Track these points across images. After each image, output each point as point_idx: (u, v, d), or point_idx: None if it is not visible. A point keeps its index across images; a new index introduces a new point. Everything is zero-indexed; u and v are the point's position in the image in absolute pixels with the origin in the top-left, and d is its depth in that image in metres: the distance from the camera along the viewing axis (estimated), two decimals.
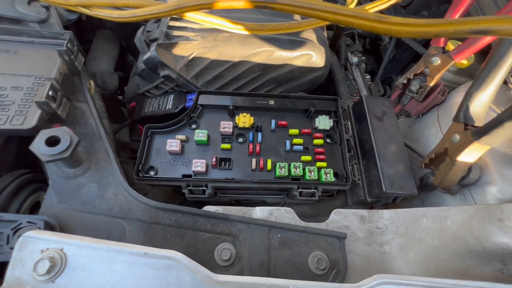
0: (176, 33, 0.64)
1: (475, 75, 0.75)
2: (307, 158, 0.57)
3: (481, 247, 0.46)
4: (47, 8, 0.57)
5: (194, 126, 0.60)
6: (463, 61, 0.66)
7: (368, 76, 1.04)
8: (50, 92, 0.42)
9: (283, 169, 0.54)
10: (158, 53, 0.58)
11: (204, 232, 0.46)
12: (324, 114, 0.61)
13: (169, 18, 0.65)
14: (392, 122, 0.59)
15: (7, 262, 0.36)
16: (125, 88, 0.95)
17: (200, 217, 0.46)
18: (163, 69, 0.61)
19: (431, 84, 0.63)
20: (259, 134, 0.59)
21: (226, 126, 0.58)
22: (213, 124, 0.60)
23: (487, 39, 0.53)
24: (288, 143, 0.58)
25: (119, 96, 0.99)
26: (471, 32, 0.26)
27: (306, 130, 0.60)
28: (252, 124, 0.60)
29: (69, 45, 0.48)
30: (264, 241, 0.46)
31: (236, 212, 0.50)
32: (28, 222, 0.37)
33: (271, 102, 0.62)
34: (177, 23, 0.65)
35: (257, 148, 0.58)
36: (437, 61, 0.60)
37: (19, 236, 0.37)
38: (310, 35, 0.67)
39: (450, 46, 0.64)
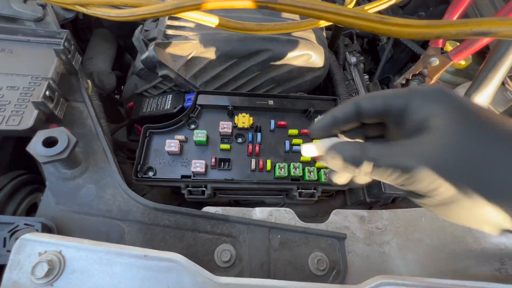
0: (174, 32, 0.63)
1: (472, 75, 0.76)
2: (307, 158, 0.57)
3: (480, 247, 0.46)
4: (43, 6, 0.56)
5: (193, 126, 0.60)
6: (461, 61, 0.67)
7: (367, 76, 1.04)
8: (47, 92, 0.41)
9: (282, 170, 0.54)
10: (156, 52, 0.57)
11: (204, 233, 0.45)
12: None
13: (167, 17, 0.64)
14: None
15: (4, 265, 0.36)
16: (122, 88, 0.94)
17: (200, 218, 0.46)
18: (162, 68, 0.60)
19: None
20: (259, 135, 0.59)
21: (225, 126, 0.58)
22: (212, 124, 0.60)
23: (485, 40, 0.54)
24: (287, 143, 0.58)
25: (116, 96, 0.98)
26: (472, 33, 0.26)
27: (305, 131, 0.60)
28: (252, 124, 0.59)
29: (66, 44, 0.48)
30: (264, 242, 0.45)
31: (236, 213, 0.50)
32: (25, 224, 0.37)
33: (271, 102, 0.62)
34: (175, 22, 0.64)
35: (257, 148, 0.57)
36: (435, 61, 0.60)
37: (16, 239, 0.36)
38: (309, 35, 0.66)
39: (449, 47, 0.64)
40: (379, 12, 0.52)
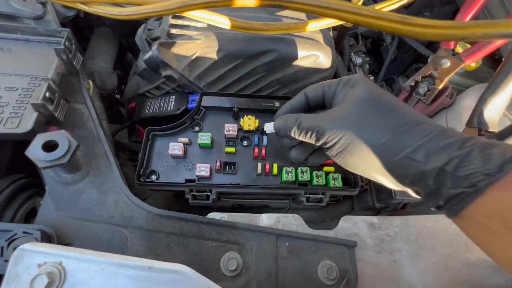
0: (178, 31, 0.61)
1: (482, 77, 0.74)
2: None
3: None
4: (43, 4, 0.54)
5: (197, 128, 0.58)
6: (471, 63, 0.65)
7: (372, 78, 1.03)
8: (47, 94, 0.40)
9: (290, 174, 0.52)
10: (160, 52, 0.56)
11: (210, 241, 0.44)
12: None
13: (171, 16, 0.62)
14: None
15: (2, 275, 0.34)
16: (122, 87, 0.92)
17: (205, 225, 0.44)
18: (165, 69, 0.58)
19: (440, 87, 0.62)
20: (265, 137, 0.57)
21: (230, 128, 0.56)
22: (217, 126, 0.58)
23: (499, 42, 0.52)
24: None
25: (116, 95, 0.96)
26: (500, 35, 0.25)
27: None
28: (257, 126, 0.58)
29: (67, 43, 0.46)
30: (272, 249, 0.44)
31: (242, 219, 0.48)
32: (24, 232, 0.35)
33: (277, 104, 0.60)
34: (179, 21, 0.63)
35: (263, 151, 0.56)
36: (446, 63, 0.59)
37: (14, 248, 0.35)
38: (316, 35, 0.65)
39: (459, 48, 0.63)
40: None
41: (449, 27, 0.25)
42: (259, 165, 0.54)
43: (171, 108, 0.65)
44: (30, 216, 0.47)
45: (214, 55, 0.61)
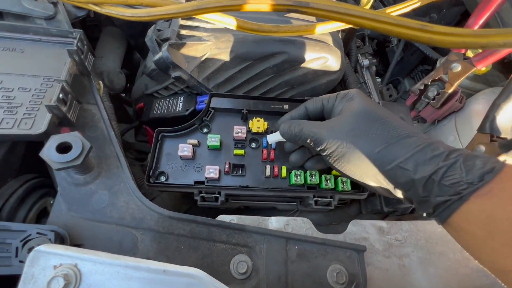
0: (188, 32, 0.61)
1: (491, 81, 0.74)
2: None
3: None
4: (54, 4, 0.54)
5: (205, 130, 0.58)
6: None
7: (379, 79, 1.02)
8: (61, 95, 0.40)
9: (299, 177, 0.52)
10: (170, 53, 0.56)
11: (219, 243, 0.44)
12: None
13: None
14: None
15: (16, 275, 0.35)
16: (128, 86, 0.92)
17: (215, 227, 0.45)
18: (175, 70, 0.58)
19: (450, 91, 0.61)
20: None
21: (239, 130, 0.56)
22: (225, 128, 0.58)
23: None
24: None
25: (122, 94, 0.97)
26: None
27: None
28: (266, 129, 0.58)
29: (79, 44, 0.46)
30: (281, 253, 0.44)
31: (251, 222, 0.48)
32: (38, 233, 0.35)
33: (286, 106, 0.60)
34: (189, 23, 0.63)
35: (271, 154, 0.56)
36: (457, 67, 0.58)
37: (28, 248, 0.35)
38: (326, 37, 0.65)
39: (469, 52, 0.62)
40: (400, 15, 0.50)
41: (470, 35, 0.25)
42: (268, 167, 0.54)
43: (180, 109, 0.65)
44: (40, 216, 0.47)
45: (223, 57, 0.61)
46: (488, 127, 0.44)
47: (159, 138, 0.56)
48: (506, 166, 0.29)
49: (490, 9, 0.53)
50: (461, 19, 1.07)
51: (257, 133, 0.58)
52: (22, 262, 0.34)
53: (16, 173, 0.46)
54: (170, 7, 0.41)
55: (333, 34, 0.67)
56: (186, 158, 0.55)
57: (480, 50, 0.61)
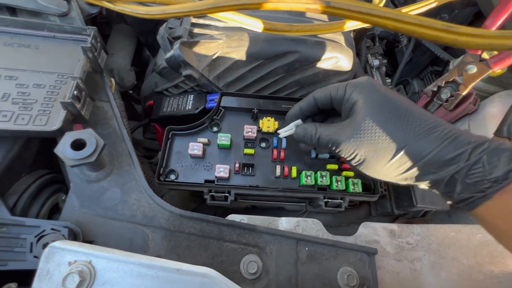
0: (199, 31, 0.61)
1: (506, 83, 0.72)
2: (333, 166, 0.55)
3: None
4: (68, 1, 0.54)
5: (215, 129, 0.58)
6: None
7: (389, 80, 1.01)
8: (75, 92, 0.40)
9: (309, 178, 0.52)
10: (181, 51, 0.56)
11: (230, 243, 0.44)
12: None
13: None
14: None
15: (30, 270, 0.35)
16: (137, 84, 0.92)
17: (226, 227, 0.44)
18: (186, 68, 0.58)
19: (464, 93, 0.60)
20: (284, 140, 0.57)
21: (250, 130, 0.56)
22: (235, 127, 0.58)
23: None
24: (313, 150, 0.56)
25: (130, 91, 0.97)
26: None
27: None
28: (277, 128, 0.57)
29: (93, 41, 0.46)
30: (292, 254, 0.44)
31: (261, 222, 0.48)
32: (52, 229, 0.36)
33: None
34: (200, 21, 0.62)
35: (282, 154, 0.55)
36: (473, 69, 0.57)
37: (43, 244, 0.35)
38: (338, 37, 0.64)
39: (485, 54, 0.61)
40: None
41: (497, 36, 0.24)
42: (278, 167, 0.54)
43: (189, 108, 0.65)
44: (52, 212, 0.48)
45: (234, 55, 0.60)
46: (505, 131, 0.43)
47: (170, 136, 0.56)
48: None
49: (509, 10, 0.51)
50: (474, 20, 1.05)
51: (267, 133, 0.57)
52: (36, 257, 0.34)
53: (29, 169, 0.46)
54: (184, 5, 0.41)
55: (345, 34, 0.66)
56: (196, 157, 0.55)
57: (496, 52, 0.59)
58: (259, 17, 0.52)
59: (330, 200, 0.52)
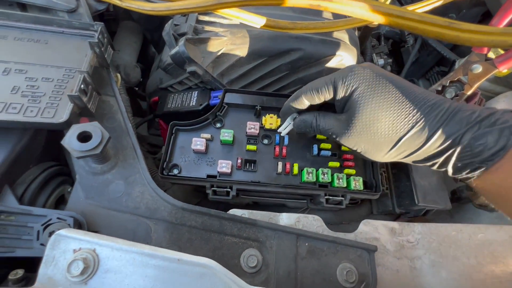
0: (204, 28, 0.62)
1: None
2: (335, 164, 0.55)
3: None
4: None
5: (219, 125, 0.59)
6: None
7: None
8: (82, 86, 0.41)
9: (310, 175, 0.52)
10: (186, 48, 0.56)
11: (231, 236, 0.44)
12: None
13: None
14: None
15: (36, 257, 0.36)
16: (142, 80, 0.94)
17: (227, 220, 0.45)
18: (190, 64, 0.59)
19: (469, 93, 0.59)
20: (286, 137, 0.57)
21: (252, 126, 0.56)
22: (238, 123, 0.59)
23: None
24: (315, 147, 0.56)
25: (135, 88, 0.98)
26: None
27: None
28: (279, 125, 0.58)
29: (100, 37, 0.47)
30: (292, 249, 0.44)
31: (262, 217, 0.48)
32: (58, 218, 0.37)
33: None
34: (206, 18, 0.63)
35: (284, 151, 0.56)
36: (478, 68, 0.56)
37: (49, 232, 0.36)
38: (342, 35, 0.64)
39: (491, 53, 0.60)
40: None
41: (500, 33, 0.24)
42: (280, 164, 0.55)
43: (193, 104, 0.66)
44: (58, 203, 0.49)
45: (238, 52, 0.61)
46: None
47: (173, 132, 0.57)
48: None
49: None
50: (482, 20, 1.03)
51: (270, 130, 0.58)
52: (43, 245, 0.35)
53: (37, 160, 0.47)
54: (190, 2, 0.41)
55: (349, 32, 0.66)
56: (199, 152, 0.55)
57: (502, 51, 0.59)
58: (263, 14, 0.52)
59: (331, 197, 0.52)
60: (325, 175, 0.52)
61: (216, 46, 0.60)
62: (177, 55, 0.57)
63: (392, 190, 0.56)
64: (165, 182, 0.65)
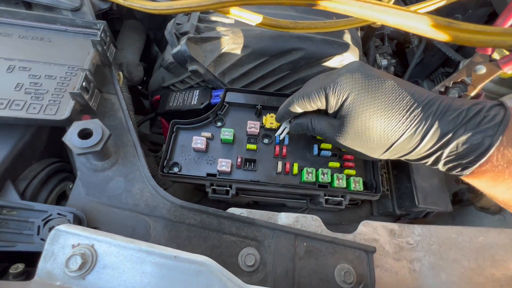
0: (206, 27, 0.62)
1: None
2: (335, 164, 0.55)
3: None
4: None
5: (219, 124, 0.59)
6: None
7: None
8: (84, 83, 0.41)
9: (310, 175, 0.52)
10: (188, 47, 0.57)
11: (229, 235, 0.44)
12: None
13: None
14: None
15: (35, 252, 0.36)
16: (144, 79, 0.94)
17: (226, 219, 0.45)
18: (192, 63, 0.59)
19: (472, 94, 0.59)
20: (286, 136, 0.57)
21: (253, 126, 0.56)
22: (239, 122, 0.59)
23: None
24: (315, 147, 0.56)
25: (139, 87, 0.99)
26: None
27: None
28: (280, 125, 0.58)
29: (102, 35, 0.48)
30: (290, 249, 0.44)
31: (261, 216, 0.48)
32: (58, 213, 0.37)
33: None
34: (208, 17, 0.63)
35: (284, 150, 0.56)
36: (482, 69, 0.56)
37: (49, 228, 0.37)
38: (344, 35, 0.64)
39: (495, 54, 0.59)
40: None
41: (500, 33, 0.24)
42: (280, 163, 0.55)
43: (195, 103, 0.66)
44: (60, 199, 0.49)
45: (240, 52, 0.61)
46: None
47: (174, 130, 0.57)
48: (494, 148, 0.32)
49: None
50: (489, 21, 1.02)
51: (270, 129, 0.58)
52: (43, 240, 0.36)
53: (40, 157, 0.48)
54: (191, 0, 0.42)
55: (352, 32, 0.66)
56: (199, 151, 0.56)
57: (507, 52, 0.58)
58: (265, 14, 0.52)
59: (330, 198, 0.52)
60: (325, 175, 0.52)
61: (218, 45, 0.61)
62: (179, 53, 0.57)
63: (393, 191, 0.55)
64: (166, 181, 0.66)
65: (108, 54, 0.50)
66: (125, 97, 0.55)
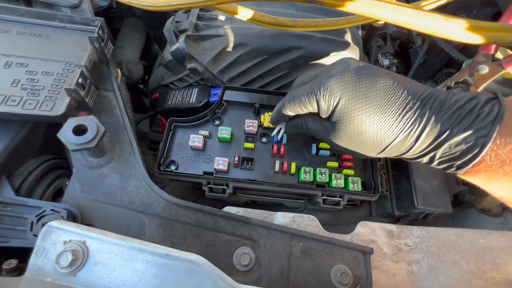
0: (205, 24, 0.62)
1: None
2: (334, 164, 0.54)
3: None
4: None
5: (217, 122, 0.58)
6: None
7: None
8: (80, 80, 0.41)
9: (308, 174, 0.52)
10: (186, 45, 0.56)
11: (224, 234, 0.44)
12: None
13: (199, 8, 0.63)
14: None
15: (29, 248, 0.36)
16: (146, 78, 0.94)
17: (221, 218, 0.45)
18: (190, 61, 0.59)
19: None
20: (284, 135, 0.56)
21: (251, 124, 0.56)
22: (237, 121, 0.58)
23: None
24: (314, 146, 0.55)
25: (140, 85, 0.99)
26: None
27: None
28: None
29: (100, 32, 0.48)
30: (285, 248, 0.44)
31: (257, 216, 0.48)
32: (52, 210, 0.37)
33: None
34: (207, 14, 0.63)
35: (282, 149, 0.55)
36: (484, 69, 0.55)
37: (42, 224, 0.37)
38: (345, 34, 0.63)
39: (499, 54, 0.58)
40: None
41: (498, 29, 0.23)
42: (277, 163, 0.54)
43: (193, 101, 0.66)
44: (56, 196, 0.49)
45: (239, 50, 0.61)
46: None
47: (172, 128, 0.57)
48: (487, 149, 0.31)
49: None
50: (493, 20, 1.01)
51: (268, 128, 0.57)
52: (36, 236, 0.36)
53: (36, 153, 0.48)
54: None
55: (352, 31, 0.65)
56: (197, 149, 0.55)
57: (510, 52, 0.57)
58: (264, 12, 0.52)
59: (328, 198, 0.51)
60: (323, 175, 0.51)
61: (217, 43, 0.60)
62: (177, 51, 0.57)
63: (392, 192, 0.54)
64: (165, 179, 0.65)
65: (105, 51, 0.50)
66: (122, 94, 0.55)
